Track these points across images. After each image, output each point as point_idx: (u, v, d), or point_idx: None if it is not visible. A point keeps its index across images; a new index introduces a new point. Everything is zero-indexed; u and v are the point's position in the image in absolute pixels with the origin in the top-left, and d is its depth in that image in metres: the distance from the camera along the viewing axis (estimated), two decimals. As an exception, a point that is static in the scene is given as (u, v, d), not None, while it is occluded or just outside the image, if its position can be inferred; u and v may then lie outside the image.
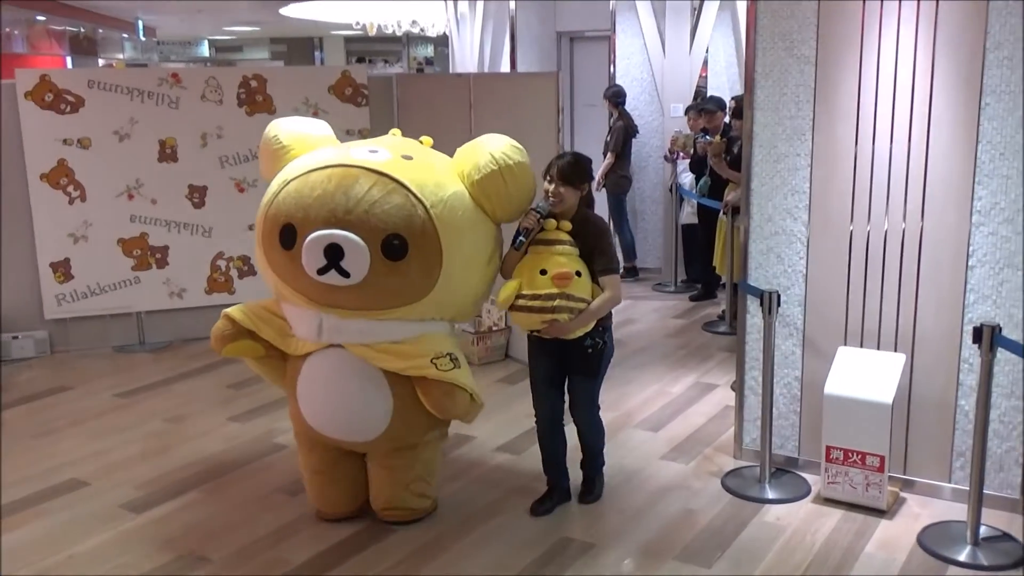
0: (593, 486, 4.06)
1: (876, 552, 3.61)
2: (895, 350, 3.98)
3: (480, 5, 7.98)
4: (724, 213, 6.65)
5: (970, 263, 3.78)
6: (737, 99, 6.79)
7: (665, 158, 8.02)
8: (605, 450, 4.10)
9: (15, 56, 10.12)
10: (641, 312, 7.28)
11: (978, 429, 3.57)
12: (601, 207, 7.09)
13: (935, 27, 3.71)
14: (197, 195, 6.47)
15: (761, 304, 4.06)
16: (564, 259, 3.63)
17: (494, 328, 6.05)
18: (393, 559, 3.61)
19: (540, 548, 3.67)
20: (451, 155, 3.76)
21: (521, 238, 3.62)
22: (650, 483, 4.25)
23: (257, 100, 6.47)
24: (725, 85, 8.27)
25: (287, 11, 10.99)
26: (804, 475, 4.23)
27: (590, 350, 3.76)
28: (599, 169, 7.80)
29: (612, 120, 8.14)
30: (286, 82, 6.60)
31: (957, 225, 3.78)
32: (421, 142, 3.80)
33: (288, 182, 3.49)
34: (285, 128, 3.78)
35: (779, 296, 4.06)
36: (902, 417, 3.99)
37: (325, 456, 3.79)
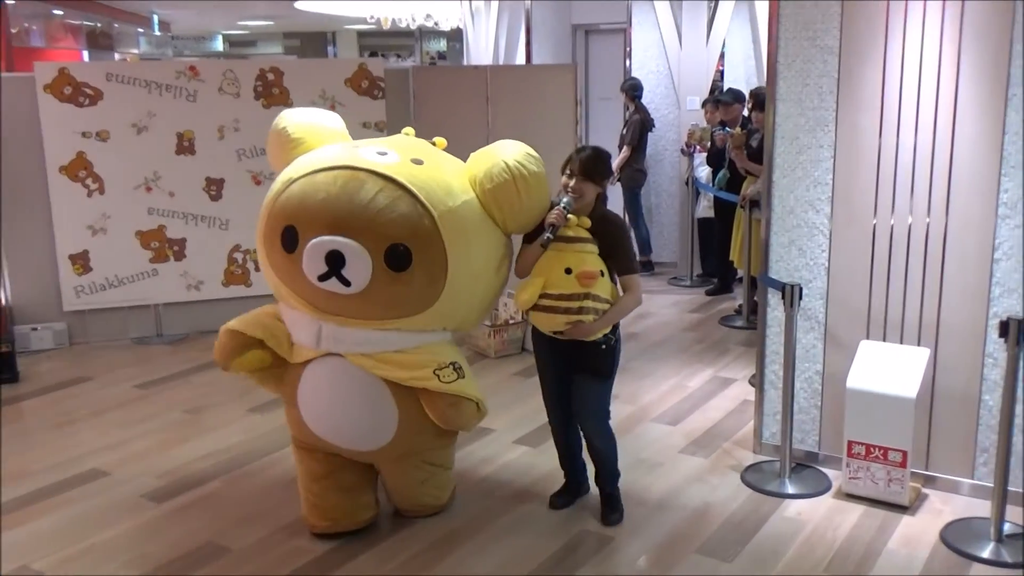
0: (615, 504, 3.82)
1: (898, 548, 3.58)
2: (918, 344, 3.95)
3: (496, -1, 7.98)
4: (741, 206, 6.62)
5: (996, 256, 3.74)
6: (756, 91, 6.76)
7: (682, 152, 7.99)
8: (620, 443, 3.89)
9: (33, 50, 10.15)
10: (657, 306, 7.26)
11: (1003, 425, 3.53)
12: (615, 201, 7.07)
13: (962, 17, 3.67)
14: (214, 188, 6.48)
15: (783, 297, 4.03)
16: (588, 257, 3.49)
17: (510, 321, 6.04)
18: (411, 551, 3.60)
19: (559, 541, 3.66)
20: (465, 155, 3.61)
21: (548, 235, 3.43)
22: (669, 477, 4.23)
23: (274, 93, 6.47)
24: (742, 78, 8.22)
25: (302, 5, 10.97)
26: (824, 470, 4.20)
27: (603, 346, 3.58)
28: (614, 163, 7.78)
29: (628, 113, 8.11)
30: (302, 75, 6.59)
31: (983, 218, 3.74)
32: (434, 143, 3.65)
33: (293, 181, 3.33)
34: (296, 119, 3.62)
35: (801, 289, 4.03)
36: (925, 412, 3.96)
37: (328, 460, 3.64)
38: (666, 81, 8.26)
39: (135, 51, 14.84)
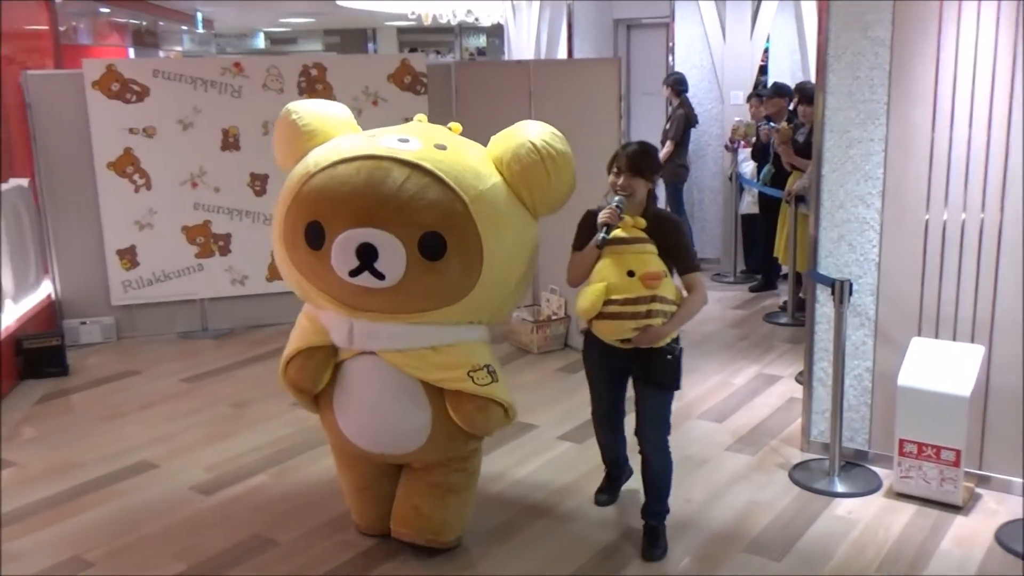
0: (658, 539, 3.54)
1: (952, 549, 3.52)
2: (972, 341, 3.87)
3: (537, -8, 7.94)
4: (787, 201, 6.53)
5: (1053, 252, 3.65)
6: (802, 86, 6.67)
7: (726, 147, 7.91)
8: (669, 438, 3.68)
9: (80, 47, 10.32)
10: (700, 302, 7.18)
11: (1061, 423, 3.45)
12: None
13: (1019, 7, 3.58)
14: (259, 183, 6.54)
15: (832, 293, 3.97)
16: (650, 258, 3.32)
17: (553, 317, 6.02)
18: (456, 547, 3.58)
19: (605, 539, 3.64)
20: (484, 143, 3.45)
21: (603, 235, 3.27)
22: (716, 474, 4.19)
23: (317, 89, 6.50)
24: (787, 72, 8.11)
25: (344, 2, 11.02)
26: (874, 469, 4.14)
27: (669, 356, 3.39)
28: (658, 158, 7.71)
29: (672, 108, 8.04)
30: (345, 71, 6.62)
31: (1040, 212, 3.66)
32: (450, 128, 3.49)
33: (312, 175, 3.16)
34: (306, 108, 3.44)
35: (851, 285, 3.97)
36: (978, 410, 3.88)
37: (367, 473, 3.59)
38: (709, 76, 8.17)
39: (179, 48, 15.04)
